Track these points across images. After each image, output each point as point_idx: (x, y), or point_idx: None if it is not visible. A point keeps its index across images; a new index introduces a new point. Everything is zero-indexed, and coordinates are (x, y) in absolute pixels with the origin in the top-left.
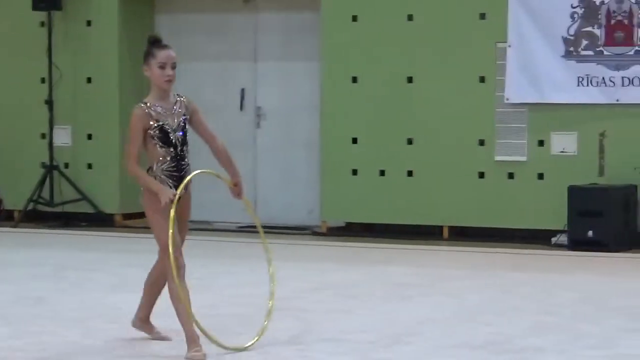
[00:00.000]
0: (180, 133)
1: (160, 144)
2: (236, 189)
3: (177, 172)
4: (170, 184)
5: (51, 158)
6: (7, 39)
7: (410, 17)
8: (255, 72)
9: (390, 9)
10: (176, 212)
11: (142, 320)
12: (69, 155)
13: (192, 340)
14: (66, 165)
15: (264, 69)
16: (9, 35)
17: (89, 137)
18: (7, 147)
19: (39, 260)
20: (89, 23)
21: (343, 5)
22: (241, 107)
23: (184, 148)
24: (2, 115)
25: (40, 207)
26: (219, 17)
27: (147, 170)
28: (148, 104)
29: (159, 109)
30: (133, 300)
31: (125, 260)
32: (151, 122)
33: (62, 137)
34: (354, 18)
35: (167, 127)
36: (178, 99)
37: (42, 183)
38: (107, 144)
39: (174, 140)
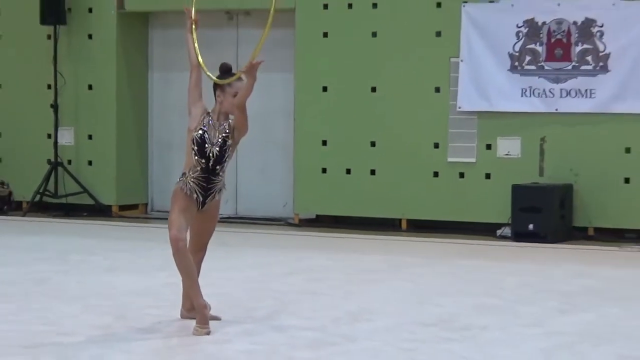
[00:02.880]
0: (217, 149)
1: (196, 151)
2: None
3: (206, 183)
4: (197, 193)
5: (56, 155)
6: (18, 50)
7: (374, 34)
8: None
9: (357, 27)
10: (199, 215)
11: (189, 310)
12: (72, 153)
13: (201, 316)
14: (69, 162)
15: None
16: (19, 47)
17: (90, 137)
18: (17, 145)
19: (44, 245)
20: (90, 36)
21: (315, 23)
22: None
23: (217, 167)
24: (13, 117)
25: (46, 199)
26: (205, 32)
27: (182, 175)
28: (209, 112)
29: (210, 121)
30: (127, 280)
31: (120, 246)
32: (200, 123)
33: (66, 137)
34: (325, 34)
35: (206, 137)
36: (229, 120)
37: (47, 177)
38: (105, 144)
39: (208, 153)
